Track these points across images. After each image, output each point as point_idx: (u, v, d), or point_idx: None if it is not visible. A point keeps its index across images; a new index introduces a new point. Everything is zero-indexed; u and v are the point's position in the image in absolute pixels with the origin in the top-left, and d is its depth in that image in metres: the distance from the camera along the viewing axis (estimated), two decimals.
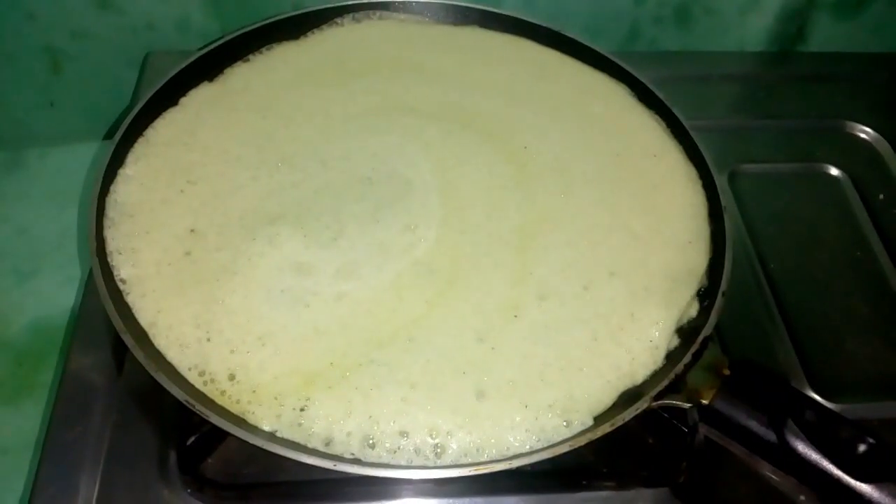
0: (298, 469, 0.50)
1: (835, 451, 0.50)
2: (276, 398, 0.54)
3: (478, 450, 0.53)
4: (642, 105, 0.74)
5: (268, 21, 0.76)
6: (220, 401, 0.54)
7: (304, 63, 0.74)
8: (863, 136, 0.89)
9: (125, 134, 0.65)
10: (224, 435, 0.51)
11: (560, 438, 0.53)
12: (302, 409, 0.54)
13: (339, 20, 0.78)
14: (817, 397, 0.65)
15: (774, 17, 0.94)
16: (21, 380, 0.74)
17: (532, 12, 0.80)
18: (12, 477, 0.67)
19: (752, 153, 0.86)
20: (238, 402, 0.54)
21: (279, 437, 0.52)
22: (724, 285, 0.60)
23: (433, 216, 0.64)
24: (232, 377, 0.55)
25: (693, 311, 0.61)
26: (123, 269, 0.59)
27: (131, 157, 0.66)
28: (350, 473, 0.50)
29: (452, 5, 0.80)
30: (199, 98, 0.71)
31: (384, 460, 0.52)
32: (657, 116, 0.73)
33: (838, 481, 0.49)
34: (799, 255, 0.77)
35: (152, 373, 0.52)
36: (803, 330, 0.70)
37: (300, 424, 0.53)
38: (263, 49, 0.76)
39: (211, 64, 0.73)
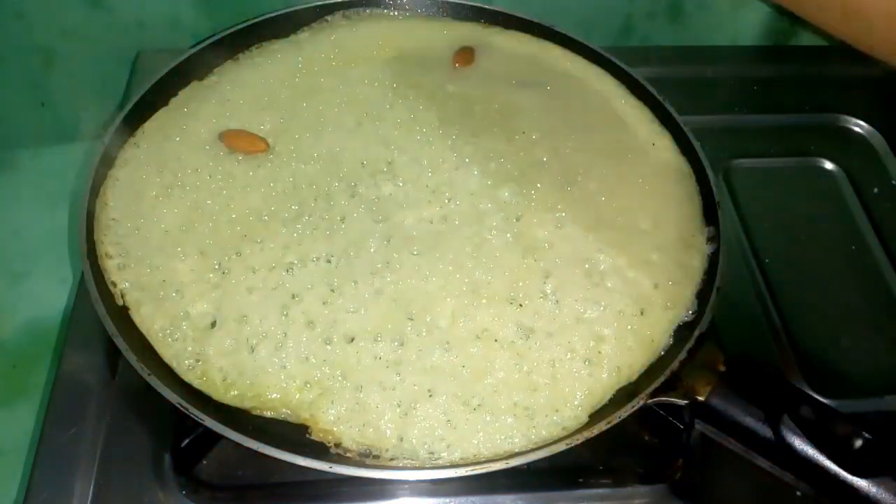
0: (294, 470, 0.50)
1: (831, 447, 0.50)
2: (272, 399, 0.54)
3: (474, 450, 0.53)
4: (635, 99, 0.74)
5: (258, 19, 0.75)
6: (214, 403, 0.54)
7: (295, 61, 0.73)
8: (857, 129, 0.89)
9: (116, 134, 0.65)
10: (219, 437, 0.51)
11: (556, 437, 0.53)
12: (299, 411, 0.54)
13: (329, 17, 0.78)
14: (813, 393, 0.65)
15: (767, 11, 0.94)
16: (15, 382, 0.73)
17: (525, 8, 0.80)
18: (6, 480, 0.66)
19: (746, 148, 0.85)
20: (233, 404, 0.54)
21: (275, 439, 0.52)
22: (718, 281, 0.60)
23: (432, 207, 0.64)
24: (226, 379, 0.55)
25: (689, 306, 0.61)
26: (115, 271, 0.59)
27: (122, 157, 0.65)
28: (346, 475, 0.50)
29: (443, 1, 0.80)
30: (190, 97, 0.70)
31: (381, 462, 0.52)
32: (651, 112, 0.73)
33: (835, 477, 0.49)
34: (794, 250, 0.77)
35: (145, 377, 0.51)
36: (799, 324, 0.70)
37: (297, 426, 0.53)
38: (254, 48, 0.75)
39: (201, 63, 0.72)
